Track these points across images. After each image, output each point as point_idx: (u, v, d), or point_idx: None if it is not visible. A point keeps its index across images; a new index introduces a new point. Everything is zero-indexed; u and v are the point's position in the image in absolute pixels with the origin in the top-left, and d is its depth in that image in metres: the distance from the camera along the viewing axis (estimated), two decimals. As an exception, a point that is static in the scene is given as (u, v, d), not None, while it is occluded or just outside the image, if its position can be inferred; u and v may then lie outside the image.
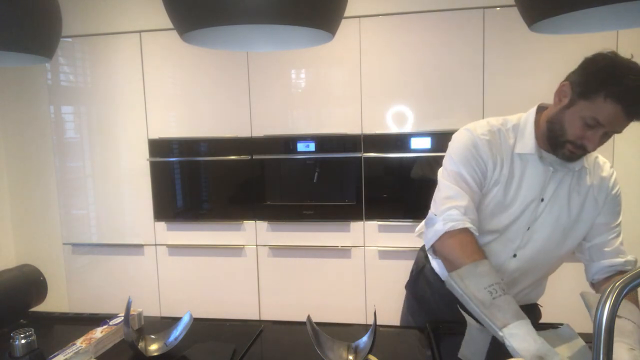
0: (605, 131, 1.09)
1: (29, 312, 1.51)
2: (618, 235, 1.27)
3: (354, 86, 2.49)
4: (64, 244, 2.88)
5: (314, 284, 2.64)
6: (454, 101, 2.41)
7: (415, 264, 1.51)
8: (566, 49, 2.30)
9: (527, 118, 1.26)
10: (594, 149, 1.11)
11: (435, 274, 1.40)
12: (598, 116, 1.06)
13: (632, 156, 2.32)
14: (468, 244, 1.12)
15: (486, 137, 1.22)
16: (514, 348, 0.94)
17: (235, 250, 2.69)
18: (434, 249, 1.21)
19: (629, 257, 1.25)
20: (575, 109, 1.10)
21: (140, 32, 2.65)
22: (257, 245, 2.68)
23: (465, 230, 1.14)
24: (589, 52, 2.47)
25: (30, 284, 1.51)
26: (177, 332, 1.23)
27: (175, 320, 1.27)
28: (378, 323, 1.13)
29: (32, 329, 1.16)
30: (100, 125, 2.77)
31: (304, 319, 1.17)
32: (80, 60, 2.77)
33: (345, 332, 1.32)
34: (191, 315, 1.26)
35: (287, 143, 2.59)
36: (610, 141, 2.30)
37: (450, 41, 2.39)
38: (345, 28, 2.43)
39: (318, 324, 1.17)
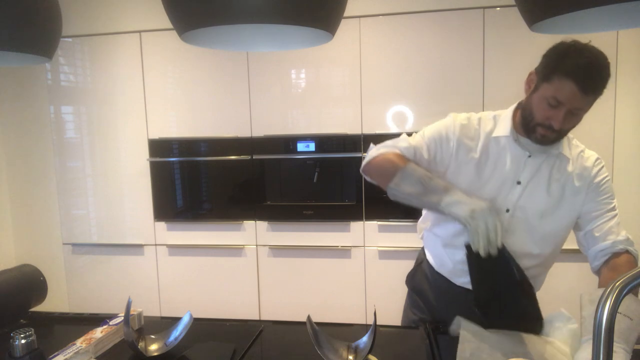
0: (569, 109, 1.14)
1: (29, 312, 1.51)
2: (609, 220, 1.27)
3: (354, 86, 2.49)
4: (64, 244, 2.88)
5: (314, 284, 2.64)
6: (454, 101, 2.41)
7: (416, 260, 1.56)
8: (566, 49, 2.30)
9: (508, 110, 1.34)
10: (560, 127, 1.16)
11: (432, 268, 1.42)
12: (557, 95, 1.13)
13: (632, 156, 2.32)
14: (394, 156, 1.26)
15: (463, 122, 1.31)
16: (455, 214, 1.09)
17: (235, 250, 2.69)
18: (366, 171, 1.34)
19: (619, 237, 1.26)
20: (540, 93, 1.17)
21: (140, 32, 2.65)
22: (257, 245, 2.68)
23: (394, 152, 1.27)
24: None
25: (30, 284, 1.51)
26: (177, 332, 1.23)
27: (175, 320, 1.27)
28: (378, 323, 1.13)
29: (32, 329, 1.16)
30: (100, 125, 2.77)
31: (304, 319, 1.17)
32: (80, 60, 2.77)
33: (345, 332, 1.32)
34: (191, 315, 1.26)
35: (287, 143, 2.59)
36: (610, 141, 2.31)
37: (450, 41, 2.39)
38: (345, 28, 2.43)
39: (318, 324, 1.17)
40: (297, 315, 1.30)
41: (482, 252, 1.07)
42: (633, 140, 2.31)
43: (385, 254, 2.55)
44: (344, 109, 2.51)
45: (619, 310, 1.02)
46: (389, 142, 1.34)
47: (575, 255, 2.42)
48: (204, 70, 2.62)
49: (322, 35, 1.04)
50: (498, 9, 2.34)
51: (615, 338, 0.97)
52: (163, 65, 2.66)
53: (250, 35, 1.14)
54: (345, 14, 1.05)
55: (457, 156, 1.29)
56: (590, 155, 1.30)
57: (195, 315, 1.28)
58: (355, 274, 2.59)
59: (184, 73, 2.65)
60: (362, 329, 1.17)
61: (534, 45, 2.30)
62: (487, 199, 1.17)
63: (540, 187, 1.25)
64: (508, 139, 1.26)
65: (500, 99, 2.38)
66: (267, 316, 2.69)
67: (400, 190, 1.20)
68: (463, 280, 1.33)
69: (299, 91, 2.57)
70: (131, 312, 1.29)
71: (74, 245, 2.87)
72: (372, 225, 2.55)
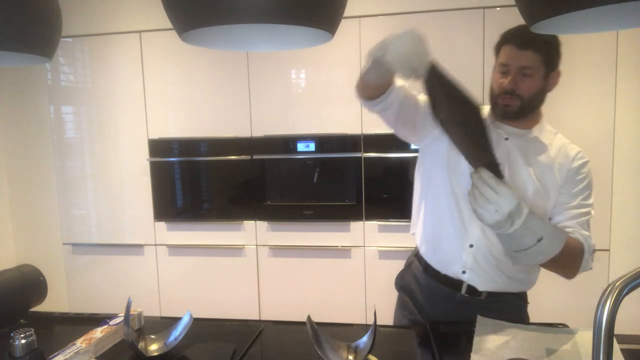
0: (516, 69, 1.23)
1: (29, 312, 1.51)
2: (574, 217, 1.28)
3: (354, 86, 2.48)
4: (64, 244, 2.88)
5: (314, 284, 2.64)
6: (454, 101, 2.41)
7: (406, 261, 1.58)
8: (566, 49, 2.29)
9: None
10: (513, 85, 1.24)
11: (420, 269, 1.43)
12: (502, 61, 1.26)
13: (632, 156, 2.32)
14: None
15: None
16: (392, 39, 1.07)
17: (235, 250, 2.69)
18: (358, 86, 1.33)
19: (580, 233, 1.27)
20: (494, 67, 1.31)
21: (140, 32, 2.65)
22: (257, 245, 2.68)
23: None
24: (589, 52, 2.48)
25: (30, 284, 1.51)
26: (177, 332, 1.23)
27: (175, 320, 1.27)
28: (378, 323, 1.13)
29: (32, 329, 1.16)
30: (100, 125, 2.77)
31: (304, 319, 1.17)
32: (80, 60, 2.77)
33: (345, 332, 1.32)
34: (191, 315, 1.26)
35: (287, 143, 2.59)
36: (610, 140, 2.31)
37: (450, 41, 2.39)
38: (345, 28, 2.43)
39: (318, 324, 1.17)
40: (297, 315, 1.30)
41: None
42: (633, 140, 2.31)
43: (385, 254, 2.55)
44: (344, 109, 2.51)
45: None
46: None
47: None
48: (204, 70, 2.62)
49: (322, 35, 1.03)
50: (498, 9, 2.34)
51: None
52: (163, 65, 2.66)
53: (250, 35, 1.14)
54: (345, 14, 1.05)
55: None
56: (574, 148, 1.34)
57: (195, 315, 1.28)
58: (355, 274, 2.59)
59: (184, 73, 2.65)
60: (362, 329, 1.17)
61: (534, 45, 2.31)
62: None
63: (520, 169, 1.29)
64: (489, 118, 1.33)
65: (500, 99, 2.37)
66: (267, 316, 2.69)
67: (367, 77, 1.21)
68: (455, 269, 1.34)
69: (299, 91, 2.57)
70: (131, 312, 1.29)
71: (74, 245, 2.87)
72: (372, 225, 2.55)
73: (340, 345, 1.15)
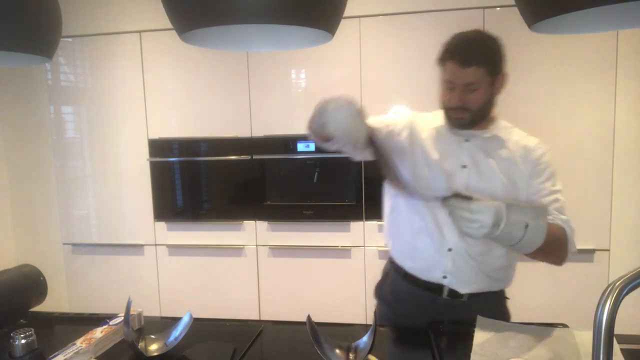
0: (462, 86, 1.24)
1: (29, 312, 1.51)
2: (548, 205, 1.29)
3: (354, 86, 2.49)
4: (64, 244, 2.88)
5: (314, 284, 2.64)
6: (454, 101, 2.41)
7: (383, 270, 1.58)
8: (566, 49, 2.30)
9: None
10: (460, 102, 1.26)
11: (399, 278, 1.44)
12: (447, 77, 1.27)
13: (633, 156, 2.32)
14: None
15: (414, 113, 1.47)
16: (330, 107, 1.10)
17: (235, 250, 2.69)
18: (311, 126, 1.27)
19: (558, 218, 1.27)
20: (440, 81, 1.32)
21: (140, 32, 2.65)
22: (257, 245, 2.68)
23: None
24: (589, 52, 2.48)
25: (30, 284, 1.51)
26: (177, 332, 1.23)
27: (175, 320, 1.27)
28: (378, 323, 1.13)
29: (32, 329, 1.16)
30: (100, 125, 2.77)
31: (304, 319, 1.17)
32: (80, 60, 2.77)
33: (345, 332, 1.32)
34: (191, 315, 1.26)
35: (287, 143, 2.59)
36: (610, 140, 2.31)
37: (450, 41, 2.39)
38: (345, 28, 2.43)
39: (318, 324, 1.17)
40: (297, 315, 1.30)
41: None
42: (633, 140, 2.31)
43: (385, 254, 2.55)
44: (344, 109, 2.51)
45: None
46: None
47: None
48: (204, 70, 2.62)
49: (322, 35, 1.04)
50: (498, 9, 2.34)
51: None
52: (163, 65, 2.66)
53: (250, 35, 1.14)
54: (345, 14, 1.05)
55: (411, 131, 1.39)
56: (532, 140, 1.36)
57: (195, 315, 1.28)
58: (355, 274, 2.58)
59: (184, 73, 2.64)
60: (362, 329, 1.17)
61: (534, 45, 2.31)
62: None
63: (486, 169, 1.31)
64: (445, 127, 1.36)
65: (500, 98, 2.37)
66: (267, 316, 2.69)
67: (312, 124, 1.19)
68: (435, 275, 1.35)
69: (299, 91, 2.57)
70: (131, 312, 1.29)
71: (74, 245, 2.87)
72: (372, 225, 2.55)
73: (340, 345, 1.15)
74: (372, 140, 1.15)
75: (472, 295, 1.35)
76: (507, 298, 1.45)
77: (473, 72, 1.21)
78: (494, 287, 1.38)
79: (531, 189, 1.31)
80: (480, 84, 1.24)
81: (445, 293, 1.35)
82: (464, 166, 1.32)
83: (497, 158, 1.32)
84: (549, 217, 1.23)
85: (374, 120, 1.38)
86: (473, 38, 1.25)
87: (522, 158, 1.32)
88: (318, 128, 1.17)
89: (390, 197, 1.46)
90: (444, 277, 1.34)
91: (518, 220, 1.06)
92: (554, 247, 1.21)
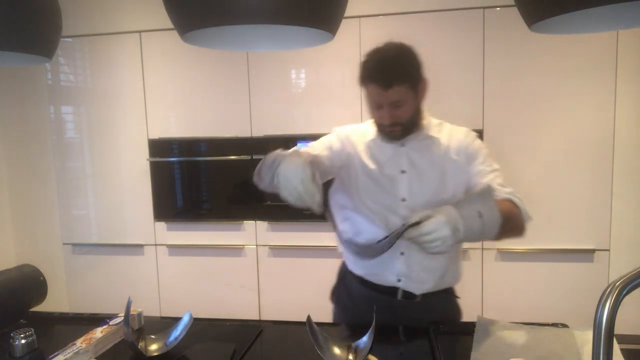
0: (389, 104, 1.25)
1: (29, 312, 1.51)
2: (490, 180, 1.30)
3: (354, 86, 2.47)
4: (64, 244, 2.88)
5: (314, 284, 2.63)
6: (454, 101, 2.41)
7: (338, 274, 1.61)
8: (566, 49, 2.30)
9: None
10: (390, 121, 1.28)
11: (355, 283, 1.46)
12: (371, 98, 1.29)
13: (633, 156, 2.32)
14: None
15: (344, 133, 1.46)
16: (282, 172, 1.07)
17: (235, 250, 2.69)
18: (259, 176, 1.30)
19: (503, 190, 1.27)
20: (366, 99, 1.33)
21: (140, 32, 2.65)
22: (257, 245, 2.68)
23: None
24: (589, 52, 2.48)
25: (30, 284, 1.51)
26: (177, 332, 1.23)
27: (175, 320, 1.27)
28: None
29: (32, 329, 1.16)
30: (100, 125, 2.77)
31: (304, 319, 1.17)
32: (80, 60, 2.77)
33: (345, 332, 1.32)
34: (191, 315, 1.26)
35: (287, 143, 2.58)
36: (610, 140, 2.31)
37: (450, 41, 2.39)
38: (345, 28, 2.42)
39: (318, 324, 1.17)
40: (297, 315, 1.30)
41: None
42: (633, 140, 2.31)
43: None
44: (343, 109, 2.51)
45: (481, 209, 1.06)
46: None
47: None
48: (204, 70, 2.62)
49: (322, 35, 1.04)
50: (498, 9, 2.34)
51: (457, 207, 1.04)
52: (163, 65, 2.66)
53: (251, 35, 1.14)
54: (345, 14, 1.05)
55: (347, 146, 1.42)
56: (460, 130, 1.39)
57: (195, 315, 1.28)
58: (355, 274, 2.58)
59: (184, 73, 2.64)
60: (362, 329, 1.17)
61: (534, 45, 2.31)
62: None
63: (425, 170, 1.35)
64: (380, 137, 1.38)
65: (500, 98, 2.38)
66: (267, 316, 2.69)
67: (262, 180, 1.21)
68: (390, 279, 1.38)
69: (299, 91, 2.57)
70: (131, 312, 1.29)
71: (74, 245, 2.87)
72: (372, 225, 2.54)
73: (340, 345, 1.15)
74: (326, 202, 1.13)
75: (425, 296, 1.38)
76: (457, 297, 1.48)
77: (396, 91, 1.23)
78: (445, 285, 1.43)
79: (471, 174, 1.33)
80: (406, 99, 1.26)
81: (399, 295, 1.38)
82: (403, 171, 1.36)
83: (434, 157, 1.35)
84: (504, 196, 1.25)
85: (313, 147, 1.42)
86: (389, 57, 1.26)
87: (456, 150, 1.35)
88: (267, 186, 1.17)
89: (339, 208, 1.47)
90: (399, 280, 1.38)
91: (470, 213, 1.06)
92: (513, 221, 1.20)
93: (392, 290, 1.39)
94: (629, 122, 2.30)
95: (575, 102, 2.31)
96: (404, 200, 1.35)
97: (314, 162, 1.15)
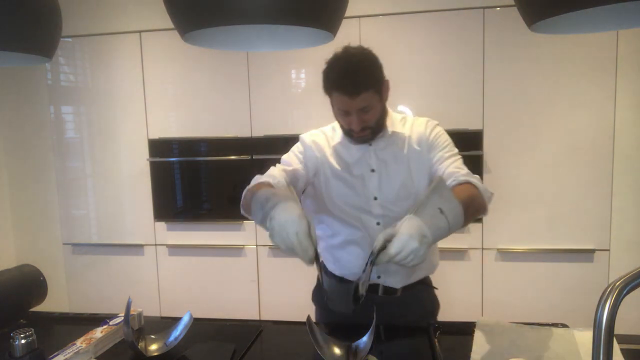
0: (356, 111, 1.26)
1: (29, 312, 1.51)
2: (450, 164, 1.32)
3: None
4: (64, 244, 2.88)
5: (314, 284, 2.63)
6: (454, 101, 2.41)
7: (318, 276, 1.58)
8: (566, 49, 2.30)
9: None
10: (360, 127, 1.28)
11: (334, 283, 1.47)
12: (338, 106, 1.29)
13: (632, 156, 2.32)
14: (258, 186, 1.26)
15: (310, 139, 1.46)
16: (277, 219, 1.03)
17: (235, 250, 2.69)
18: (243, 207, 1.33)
19: (461, 173, 1.28)
20: (332, 107, 1.34)
21: (140, 32, 2.65)
22: (257, 245, 2.68)
23: (263, 182, 1.29)
24: (589, 52, 2.48)
25: (30, 284, 1.51)
26: (177, 332, 1.23)
27: (175, 320, 1.27)
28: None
29: (32, 329, 1.16)
30: (100, 125, 2.77)
31: (304, 319, 1.17)
32: (80, 60, 2.77)
33: (345, 332, 1.32)
34: (191, 315, 1.26)
35: (287, 143, 2.56)
36: (610, 140, 2.31)
37: (450, 41, 2.39)
38: (345, 28, 2.42)
39: (318, 324, 1.17)
40: (297, 315, 1.30)
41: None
42: (633, 140, 2.31)
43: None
44: (344, 109, 2.51)
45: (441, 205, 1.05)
46: (268, 171, 1.39)
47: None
48: (204, 70, 2.61)
49: (323, 36, 1.04)
50: (498, 9, 2.34)
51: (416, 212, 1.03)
52: (163, 65, 2.66)
53: (251, 35, 1.14)
54: (345, 14, 1.05)
55: (316, 152, 1.42)
56: (421, 121, 1.41)
57: (195, 315, 1.28)
58: (355, 274, 2.58)
59: (184, 73, 2.64)
60: (362, 329, 1.17)
61: (534, 45, 2.31)
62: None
63: (393, 167, 1.36)
64: (345, 141, 1.38)
65: (500, 98, 2.38)
66: (267, 316, 2.69)
67: (251, 215, 1.20)
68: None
69: (299, 91, 2.57)
70: (131, 312, 1.29)
71: (74, 245, 2.87)
72: (372, 225, 2.54)
73: (340, 345, 1.15)
74: (317, 256, 1.06)
75: (405, 289, 1.41)
76: (435, 288, 1.50)
77: (363, 98, 1.23)
78: (421, 276, 1.45)
79: (432, 161, 1.35)
80: (373, 104, 1.26)
81: (380, 291, 1.40)
82: (373, 170, 1.37)
83: (399, 152, 1.37)
84: (451, 180, 1.25)
85: (290, 162, 1.42)
86: (353, 64, 1.26)
87: (417, 141, 1.37)
88: (257, 223, 1.15)
89: (312, 212, 1.47)
90: (378, 277, 1.39)
91: (432, 211, 1.04)
92: (475, 204, 1.19)
93: (374, 288, 1.40)
94: (628, 122, 2.30)
95: (575, 102, 2.31)
96: (375, 198, 1.37)
97: (304, 215, 1.06)
